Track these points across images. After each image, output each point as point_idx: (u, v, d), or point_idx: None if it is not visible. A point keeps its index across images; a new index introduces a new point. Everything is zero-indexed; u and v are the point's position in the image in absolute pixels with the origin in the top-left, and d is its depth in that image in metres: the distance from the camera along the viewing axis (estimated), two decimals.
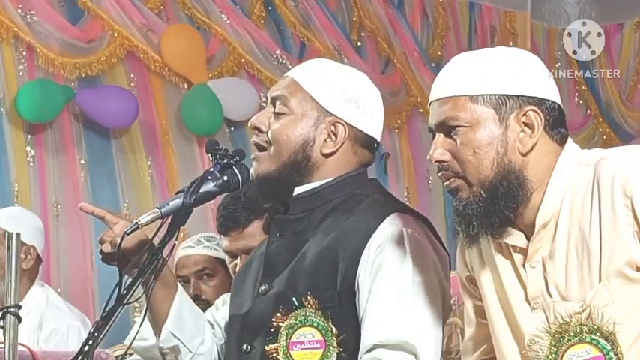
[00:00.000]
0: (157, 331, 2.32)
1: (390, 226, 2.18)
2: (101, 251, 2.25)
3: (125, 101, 5.04)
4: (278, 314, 2.18)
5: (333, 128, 2.26)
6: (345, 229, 2.20)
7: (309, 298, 2.16)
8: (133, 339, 2.32)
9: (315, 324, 2.15)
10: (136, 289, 2.15)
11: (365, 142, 2.30)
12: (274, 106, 2.28)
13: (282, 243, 2.28)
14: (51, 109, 4.82)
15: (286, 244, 2.27)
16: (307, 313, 2.15)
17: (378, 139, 2.34)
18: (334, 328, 2.14)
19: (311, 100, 2.27)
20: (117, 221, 2.23)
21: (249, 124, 2.33)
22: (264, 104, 5.57)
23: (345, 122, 2.27)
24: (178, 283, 2.37)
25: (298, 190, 2.27)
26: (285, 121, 2.26)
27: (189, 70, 5.27)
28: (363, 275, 2.15)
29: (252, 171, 2.27)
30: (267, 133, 2.27)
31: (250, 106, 5.40)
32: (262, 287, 2.25)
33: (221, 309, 2.56)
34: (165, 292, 2.29)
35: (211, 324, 2.41)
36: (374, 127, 2.31)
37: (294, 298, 2.17)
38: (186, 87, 5.31)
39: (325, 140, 2.26)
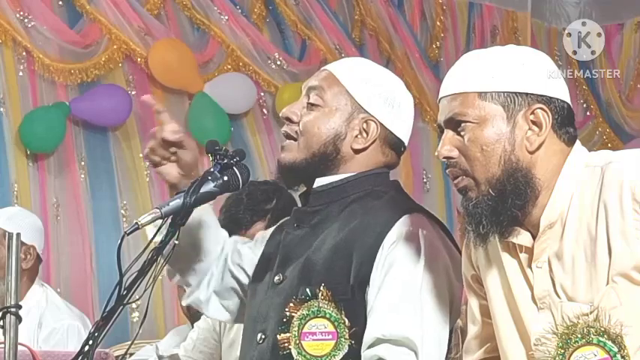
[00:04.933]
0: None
1: (404, 226, 2.19)
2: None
3: (118, 98, 5.05)
4: (291, 304, 2.19)
5: (365, 125, 2.29)
6: (361, 225, 2.21)
7: (322, 289, 2.17)
8: (134, 339, 2.31)
9: (327, 315, 2.16)
10: (136, 289, 2.14)
11: (393, 143, 2.32)
12: (309, 97, 2.30)
13: (299, 234, 2.30)
14: (55, 134, 4.86)
15: (303, 235, 2.29)
16: (320, 305, 2.16)
17: (406, 143, 2.36)
18: (347, 321, 2.15)
19: (347, 94, 2.28)
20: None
21: (280, 114, 2.35)
22: (262, 100, 5.59)
23: (378, 121, 2.28)
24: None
25: (319, 182, 2.29)
26: (319, 113, 2.28)
27: (182, 82, 5.26)
28: (375, 272, 2.16)
29: (278, 157, 2.30)
30: (298, 123, 2.28)
31: (248, 99, 5.41)
32: (277, 277, 2.27)
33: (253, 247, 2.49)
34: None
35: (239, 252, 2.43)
36: (404, 131, 2.33)
37: (307, 289, 2.18)
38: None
39: (356, 136, 2.28)
